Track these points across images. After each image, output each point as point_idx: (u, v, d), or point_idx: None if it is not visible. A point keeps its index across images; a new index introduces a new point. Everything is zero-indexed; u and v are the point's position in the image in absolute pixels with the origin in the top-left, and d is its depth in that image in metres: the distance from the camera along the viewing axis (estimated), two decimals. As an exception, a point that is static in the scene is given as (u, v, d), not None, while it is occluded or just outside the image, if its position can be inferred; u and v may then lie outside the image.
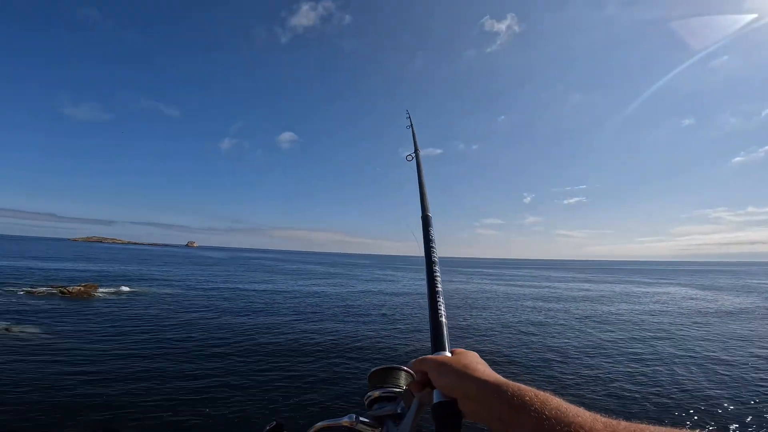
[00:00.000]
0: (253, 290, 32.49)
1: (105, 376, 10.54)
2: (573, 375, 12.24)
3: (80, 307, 20.48)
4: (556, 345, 15.90)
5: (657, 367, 13.20)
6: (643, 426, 0.57)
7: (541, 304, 29.65)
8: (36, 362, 11.43)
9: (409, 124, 1.98)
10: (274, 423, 0.91)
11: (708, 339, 17.93)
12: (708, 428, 8.67)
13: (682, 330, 20.02)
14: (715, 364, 13.86)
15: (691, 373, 12.74)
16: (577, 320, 22.23)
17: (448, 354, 0.85)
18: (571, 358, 14.11)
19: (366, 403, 0.93)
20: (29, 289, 25.09)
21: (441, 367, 0.79)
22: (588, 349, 15.33)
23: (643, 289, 45.09)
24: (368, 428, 0.86)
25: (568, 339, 17.10)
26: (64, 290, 24.41)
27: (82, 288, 25.39)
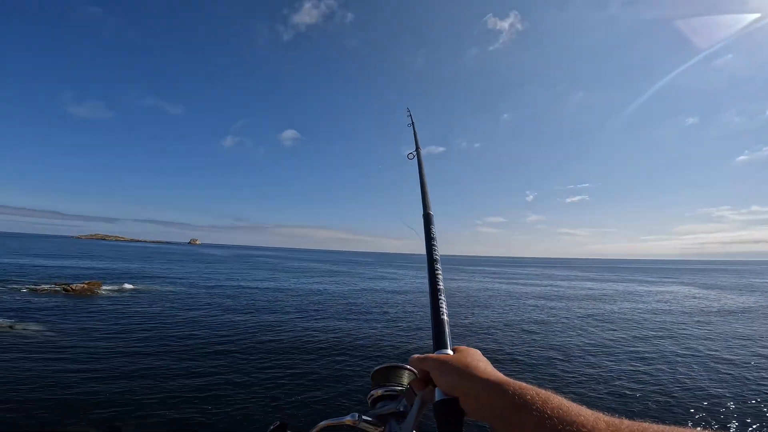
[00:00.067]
0: (256, 288, 32.58)
1: (108, 374, 10.60)
2: (575, 373, 12.24)
3: (84, 305, 20.57)
4: (558, 343, 15.89)
5: (660, 366, 13.19)
6: (646, 425, 0.57)
7: (543, 302, 29.63)
8: (39, 360, 11.50)
9: (410, 122, 1.98)
10: (278, 423, 0.91)
11: (711, 338, 17.89)
12: (711, 427, 8.66)
13: (684, 329, 19.98)
14: (718, 363, 13.83)
15: (694, 372, 12.72)
16: (580, 319, 22.20)
17: (450, 352, 0.85)
18: (574, 356, 14.10)
19: (369, 401, 0.93)
20: (33, 286, 25.24)
21: (442, 365, 0.79)
22: (590, 348, 15.31)
23: (646, 288, 45.00)
24: (371, 427, 0.86)
25: (571, 337, 17.08)
26: (68, 288, 24.54)
27: (85, 285, 25.53)
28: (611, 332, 18.60)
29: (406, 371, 0.95)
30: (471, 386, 0.72)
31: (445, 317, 0.93)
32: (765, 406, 9.92)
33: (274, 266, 67.25)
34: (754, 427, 8.85)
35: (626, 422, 0.57)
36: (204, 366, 11.66)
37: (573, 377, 11.90)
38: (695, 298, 35.56)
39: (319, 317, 20.17)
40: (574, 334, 17.95)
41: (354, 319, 20.13)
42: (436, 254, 1.12)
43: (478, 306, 26.44)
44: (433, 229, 1.22)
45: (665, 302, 31.63)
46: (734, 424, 8.93)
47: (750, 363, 13.87)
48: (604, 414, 0.59)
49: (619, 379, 11.74)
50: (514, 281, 51.54)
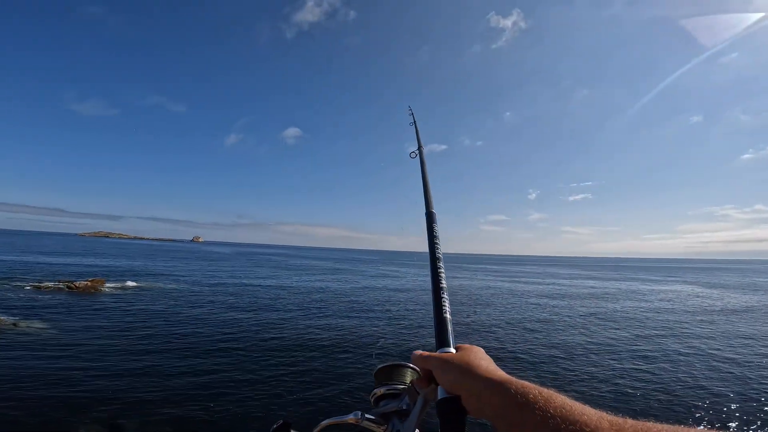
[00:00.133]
0: (259, 285, 32.66)
1: (112, 371, 10.65)
2: (577, 372, 12.23)
3: (87, 302, 20.67)
4: (560, 342, 15.88)
5: (662, 365, 13.16)
6: (649, 424, 0.56)
7: (545, 300, 29.60)
8: (43, 357, 11.56)
9: (412, 120, 1.98)
10: (282, 422, 0.91)
11: (714, 337, 17.84)
12: (714, 426, 8.65)
13: (687, 328, 19.93)
14: (721, 362, 13.80)
15: (697, 371, 12.70)
16: (582, 317, 22.18)
17: (453, 350, 0.85)
18: (576, 355, 14.09)
19: (371, 400, 0.93)
20: (37, 284, 25.34)
21: (445, 364, 0.79)
22: (593, 347, 15.29)
23: (649, 287, 44.89)
24: (374, 425, 0.86)
25: (573, 336, 17.07)
26: (72, 285, 24.64)
27: (89, 283, 25.62)
28: (614, 331, 18.57)
29: (409, 370, 0.95)
30: (473, 385, 0.72)
31: (448, 315, 0.93)
32: (767, 406, 9.90)
33: (276, 264, 67.40)
34: (757, 426, 8.83)
35: (630, 421, 0.56)
36: (207, 364, 11.70)
37: (575, 376, 11.89)
38: (698, 297, 35.45)
39: (321, 315, 20.21)
40: (577, 332, 17.93)
41: (356, 316, 20.17)
42: (438, 252, 1.12)
43: (480, 304, 26.43)
44: (436, 228, 1.22)
45: (668, 301, 31.55)
46: (737, 424, 8.92)
47: (752, 362, 13.84)
48: (607, 413, 0.59)
49: (622, 378, 11.72)
50: (516, 279, 51.48)
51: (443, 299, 0.96)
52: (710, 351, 15.23)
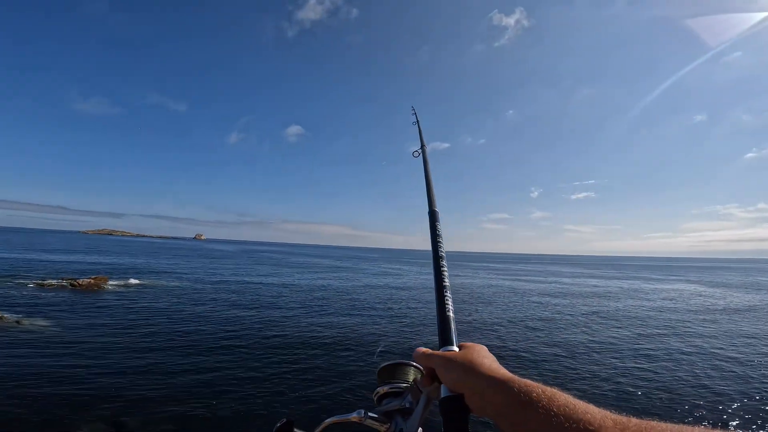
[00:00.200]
0: (261, 283, 32.71)
1: (115, 369, 10.69)
2: (580, 371, 12.22)
3: (90, 300, 20.74)
4: (562, 340, 15.86)
5: (665, 364, 13.14)
6: (653, 423, 0.56)
7: (547, 299, 29.57)
8: (46, 355, 11.60)
9: (415, 120, 1.99)
10: (285, 420, 0.92)
11: (716, 336, 17.80)
12: (716, 425, 8.62)
13: (690, 327, 19.89)
14: (724, 361, 13.77)
15: (699, 370, 12.67)
16: (584, 316, 22.15)
17: (456, 349, 0.85)
18: (578, 353, 14.07)
19: (374, 398, 0.93)
20: (40, 281, 25.45)
21: (448, 362, 0.79)
22: (595, 345, 15.27)
23: (651, 286, 44.79)
24: (377, 423, 0.86)
25: (575, 335, 17.05)
26: (75, 283, 24.72)
27: (92, 280, 25.70)
28: (616, 330, 18.55)
29: (412, 368, 0.95)
30: (476, 383, 0.72)
31: (451, 314, 0.92)
32: (771, 405, 9.87)
33: (278, 261, 67.47)
34: (759, 425, 8.81)
35: (634, 420, 0.56)
36: (210, 361, 11.72)
37: (577, 374, 11.88)
38: (701, 296, 35.35)
39: (323, 313, 20.23)
40: (579, 331, 17.91)
41: (358, 314, 20.18)
42: (441, 251, 1.12)
43: (482, 302, 26.42)
44: (439, 226, 1.22)
45: (670, 300, 31.48)
46: (739, 423, 8.90)
47: (755, 361, 13.80)
48: (611, 412, 0.58)
49: (624, 377, 11.71)
50: (518, 278, 51.43)
51: (446, 298, 0.95)
52: (713, 350, 15.19)
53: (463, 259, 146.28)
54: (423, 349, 0.87)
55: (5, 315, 15.52)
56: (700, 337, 17.53)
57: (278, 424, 0.91)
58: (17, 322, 14.91)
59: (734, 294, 37.33)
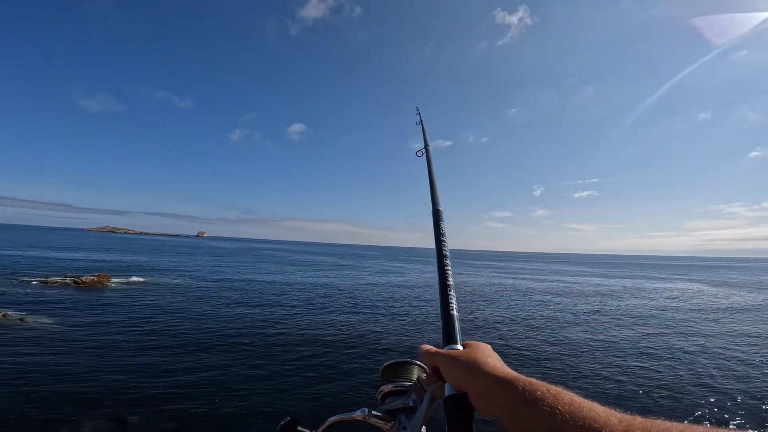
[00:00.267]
0: (263, 281, 32.76)
1: (118, 367, 10.73)
2: (582, 369, 12.21)
3: (93, 298, 20.81)
4: (565, 339, 15.85)
5: (668, 363, 13.12)
6: (658, 422, 0.56)
7: (549, 297, 29.53)
8: (50, 352, 11.64)
9: (419, 120, 2.00)
10: (289, 418, 0.92)
11: (719, 335, 17.76)
12: (719, 424, 8.60)
13: (692, 326, 19.84)
14: (726, 360, 13.74)
15: (703, 369, 12.64)
16: (587, 315, 22.12)
17: (460, 347, 0.85)
18: (581, 352, 14.06)
19: (378, 397, 0.94)
20: (43, 279, 25.55)
21: (452, 361, 0.79)
22: (598, 344, 15.26)
23: (654, 285, 44.69)
24: (381, 422, 0.86)
25: (578, 333, 17.03)
26: (78, 280, 24.81)
27: (95, 278, 25.79)
28: (619, 328, 18.52)
29: (416, 367, 0.96)
30: (480, 382, 0.72)
31: (455, 312, 0.92)
32: (774, 404, 9.85)
33: (281, 259, 67.56)
34: (761, 424, 8.80)
35: (639, 418, 0.56)
36: (213, 359, 11.76)
37: (580, 373, 11.87)
38: (704, 295, 35.26)
39: (326, 311, 20.25)
40: (581, 330, 17.89)
41: (361, 312, 20.19)
42: (445, 250, 1.12)
43: (485, 301, 26.40)
44: (443, 225, 1.22)
45: (673, 299, 31.40)
46: (742, 422, 8.88)
47: (757, 361, 13.76)
48: (616, 410, 0.58)
49: (627, 376, 11.69)
50: (521, 276, 51.39)
51: (450, 296, 0.95)
52: (715, 349, 15.15)
53: (465, 257, 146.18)
54: (427, 346, 0.87)
55: (9, 312, 15.60)
56: (703, 336, 17.49)
57: (282, 422, 0.91)
58: (21, 319, 14.98)
59: (737, 293, 37.21)
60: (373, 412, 0.87)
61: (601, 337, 16.54)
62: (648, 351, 14.53)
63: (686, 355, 14.15)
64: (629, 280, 51.28)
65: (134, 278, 28.88)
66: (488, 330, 17.22)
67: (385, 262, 76.49)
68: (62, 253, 53.39)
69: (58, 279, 25.50)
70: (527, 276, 52.49)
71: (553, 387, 0.64)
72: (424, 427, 0.84)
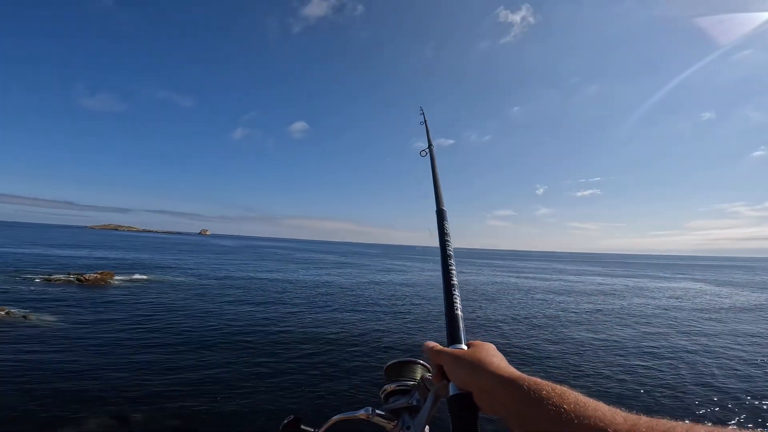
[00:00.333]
0: (265, 279, 32.81)
1: (121, 364, 10.77)
2: (586, 369, 12.20)
3: (96, 295, 20.88)
4: (568, 338, 15.83)
5: (670, 362, 13.09)
6: (663, 421, 0.56)
7: (552, 296, 29.50)
8: (53, 350, 11.68)
9: (423, 120, 2.00)
10: (292, 417, 0.92)
11: (722, 335, 17.71)
12: (723, 423, 8.59)
13: (695, 325, 19.79)
14: (729, 360, 13.70)
15: (705, 369, 12.62)
16: (590, 314, 22.09)
17: (464, 347, 0.85)
18: (584, 352, 14.04)
19: (382, 396, 0.94)
20: (47, 276, 25.64)
21: (456, 360, 0.79)
22: (601, 344, 15.24)
23: (657, 284, 44.60)
24: (384, 421, 0.87)
25: (581, 333, 17.01)
26: (81, 278, 24.89)
27: (98, 276, 25.88)
28: (621, 328, 18.49)
29: (419, 366, 0.96)
30: (485, 381, 0.71)
31: (459, 312, 0.92)
32: (777, 404, 9.83)
33: (283, 257, 67.62)
34: (764, 423, 8.77)
35: (644, 418, 0.56)
36: (216, 357, 11.78)
37: (583, 372, 11.86)
38: (707, 294, 35.17)
39: (329, 309, 20.27)
40: (584, 329, 17.86)
41: (364, 311, 20.21)
42: (449, 250, 1.12)
43: (487, 299, 26.39)
44: (447, 225, 1.22)
45: (676, 298, 31.33)
46: (744, 421, 8.86)
47: (758, 361, 13.73)
48: (621, 409, 0.58)
49: (629, 375, 11.68)
50: (523, 275, 51.34)
51: (454, 296, 0.95)
52: (718, 349, 15.12)
53: (467, 255, 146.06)
54: (432, 343, 0.87)
55: (12, 310, 15.67)
56: (706, 335, 17.45)
57: (285, 421, 0.91)
58: (24, 317, 15.04)
59: (740, 293, 37.10)
60: (377, 411, 0.87)
61: (603, 336, 16.52)
62: (650, 350, 14.50)
63: (689, 355, 14.12)
64: (632, 279, 51.18)
65: (137, 276, 28.97)
66: (491, 329, 17.21)
67: (387, 260, 76.48)
68: (65, 250, 53.56)
69: (61, 276, 25.58)
70: (529, 275, 52.44)
71: (558, 386, 0.63)
72: (427, 427, 0.84)
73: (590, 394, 0.60)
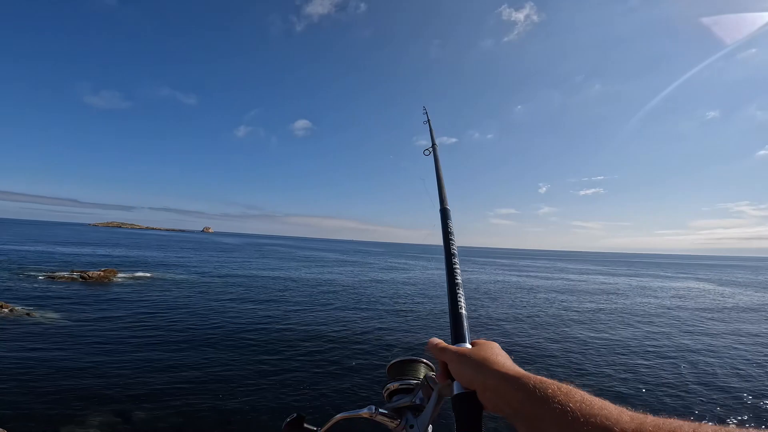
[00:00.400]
0: (268, 276, 32.87)
1: (124, 362, 10.81)
2: (589, 368, 12.18)
3: (100, 292, 20.97)
4: (571, 337, 15.80)
5: (674, 362, 13.07)
6: (670, 420, 0.56)
7: (555, 295, 29.46)
8: (56, 348, 11.74)
9: (426, 119, 2.00)
10: (295, 415, 0.92)
11: (726, 335, 17.66)
12: (727, 423, 8.56)
13: (699, 325, 19.74)
14: (732, 359, 13.66)
15: (709, 368, 12.59)
16: (593, 313, 22.05)
17: (468, 345, 0.84)
18: (588, 351, 14.02)
19: (385, 395, 0.93)
20: (50, 273, 25.77)
21: (460, 358, 0.78)
22: (604, 343, 15.21)
23: (661, 283, 44.49)
24: (387, 420, 0.86)
25: (585, 332, 16.98)
26: (85, 275, 25.00)
27: (102, 273, 25.99)
28: (624, 327, 18.45)
29: (423, 364, 0.95)
30: (490, 380, 0.71)
31: (463, 311, 0.92)
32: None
33: (285, 255, 67.73)
34: (766, 421, 8.75)
35: (650, 417, 0.56)
36: (219, 355, 11.81)
37: (586, 371, 11.84)
38: (710, 294, 35.07)
39: (332, 307, 20.30)
40: (587, 328, 17.83)
41: (367, 309, 20.22)
42: (453, 248, 1.11)
43: (490, 298, 26.37)
44: (451, 224, 1.21)
45: (680, 298, 31.25)
46: (747, 420, 8.83)
47: (761, 360, 13.68)
48: (627, 408, 0.58)
49: (633, 374, 11.66)
50: (526, 274, 51.28)
51: (459, 295, 0.95)
52: (721, 348, 15.07)
53: (470, 254, 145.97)
54: (437, 340, 0.87)
55: (16, 307, 15.75)
56: (709, 335, 17.40)
57: (288, 419, 0.91)
58: (28, 314, 15.11)
59: (744, 292, 36.99)
60: (380, 410, 0.86)
61: (606, 335, 16.49)
62: (654, 349, 14.47)
63: (692, 354, 14.08)
64: (635, 278, 51.08)
65: (140, 273, 29.08)
66: (494, 328, 17.20)
67: (390, 258, 76.53)
68: (68, 248, 53.78)
69: (64, 274, 25.70)
70: (532, 273, 52.38)
71: (564, 385, 0.63)
72: (431, 426, 0.83)
73: (594, 393, 0.60)
